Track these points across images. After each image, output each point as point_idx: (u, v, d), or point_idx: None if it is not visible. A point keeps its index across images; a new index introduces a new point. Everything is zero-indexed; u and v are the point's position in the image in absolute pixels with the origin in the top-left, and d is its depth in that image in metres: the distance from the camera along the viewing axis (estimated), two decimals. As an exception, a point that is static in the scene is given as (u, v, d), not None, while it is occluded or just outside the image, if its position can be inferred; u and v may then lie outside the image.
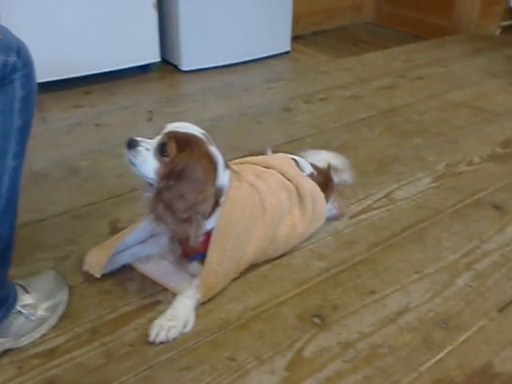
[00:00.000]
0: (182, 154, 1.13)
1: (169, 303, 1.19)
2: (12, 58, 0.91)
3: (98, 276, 1.26)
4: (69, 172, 1.76)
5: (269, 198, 1.30)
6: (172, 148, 1.13)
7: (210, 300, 1.22)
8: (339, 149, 1.94)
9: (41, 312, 1.11)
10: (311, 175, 1.47)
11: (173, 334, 1.13)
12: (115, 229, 1.46)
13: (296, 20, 3.06)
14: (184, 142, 1.15)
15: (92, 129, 2.07)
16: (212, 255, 1.20)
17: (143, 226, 1.27)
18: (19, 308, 1.07)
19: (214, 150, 1.20)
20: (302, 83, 2.64)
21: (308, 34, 3.63)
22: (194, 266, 1.26)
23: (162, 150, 1.14)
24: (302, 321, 1.18)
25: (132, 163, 1.17)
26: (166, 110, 2.28)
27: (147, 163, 1.15)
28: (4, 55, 0.90)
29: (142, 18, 2.45)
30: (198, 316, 1.18)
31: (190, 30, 2.60)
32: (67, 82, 2.35)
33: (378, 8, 4.03)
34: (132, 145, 1.15)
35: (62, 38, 2.28)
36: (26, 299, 1.10)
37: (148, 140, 1.17)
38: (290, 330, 1.16)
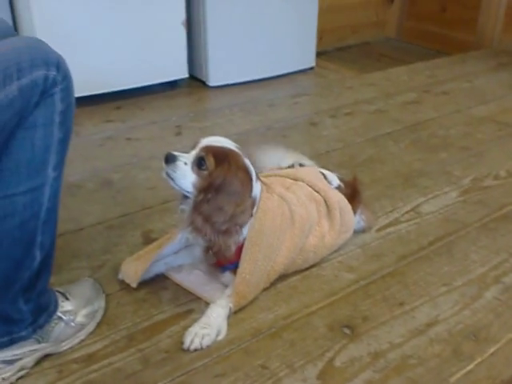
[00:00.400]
0: (220, 168, 1.17)
1: (202, 312, 1.22)
2: (52, 72, 0.94)
3: (134, 286, 1.30)
4: (102, 184, 1.81)
5: (298, 209, 1.33)
6: (210, 162, 1.17)
7: (241, 309, 1.25)
8: (365, 163, 1.97)
9: (80, 318, 1.15)
10: (338, 188, 1.50)
11: (206, 341, 1.16)
12: (148, 239, 1.50)
13: (320, 36, 3.11)
14: (221, 155, 1.19)
15: (123, 142, 2.13)
16: (244, 265, 1.23)
17: (179, 238, 1.30)
18: (60, 314, 1.12)
19: (248, 162, 1.24)
20: (328, 98, 2.67)
21: (332, 50, 3.67)
22: (227, 275, 1.29)
23: (200, 163, 1.18)
24: (333, 331, 1.21)
25: (170, 177, 1.20)
26: (193, 125, 2.33)
27: (186, 177, 1.19)
28: (44, 69, 0.94)
29: (171, 35, 2.52)
30: (230, 324, 1.21)
31: (217, 47, 2.67)
32: (99, 97, 2.42)
33: (400, 23, 4.06)
34: (170, 159, 1.19)
35: (93, 54, 2.36)
36: (66, 306, 1.14)
37: (184, 154, 1.21)
38: (320, 340, 1.18)
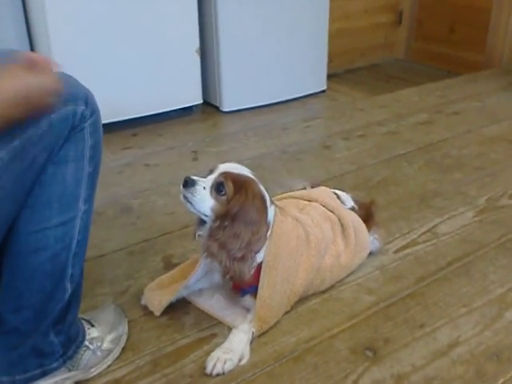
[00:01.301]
0: (237, 196, 1.19)
1: (224, 336, 1.24)
2: (81, 107, 0.97)
3: (157, 314, 1.32)
4: (122, 210, 1.85)
5: (313, 230, 1.35)
6: (229, 187, 1.20)
7: (264, 333, 1.27)
8: (380, 184, 1.99)
9: (106, 344, 1.18)
10: (352, 209, 1.52)
11: (228, 366, 1.17)
12: (169, 264, 1.53)
13: (330, 59, 3.16)
14: (239, 182, 1.21)
15: (142, 169, 2.17)
16: (263, 289, 1.25)
17: (202, 266, 1.32)
18: (87, 343, 1.14)
19: (263, 188, 1.26)
20: (340, 121, 2.71)
21: (341, 72, 3.72)
22: (247, 299, 1.31)
23: (218, 189, 1.21)
24: (355, 353, 1.22)
25: (189, 201, 1.22)
26: (209, 150, 2.37)
27: (204, 201, 1.21)
28: (73, 104, 0.96)
29: (185, 62, 2.58)
30: (252, 349, 1.23)
31: (230, 73, 2.72)
32: (115, 124, 2.47)
33: (409, 45, 4.11)
34: (190, 183, 1.21)
35: (109, 82, 2.42)
36: (92, 333, 1.17)
37: (203, 179, 1.23)
38: (343, 363, 1.19)
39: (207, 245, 1.21)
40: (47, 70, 0.88)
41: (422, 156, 2.24)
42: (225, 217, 1.19)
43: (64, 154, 0.97)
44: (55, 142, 0.95)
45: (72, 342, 1.10)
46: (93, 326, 1.19)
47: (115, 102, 2.47)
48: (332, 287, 1.43)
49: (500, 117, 2.68)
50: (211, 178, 1.23)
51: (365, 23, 3.85)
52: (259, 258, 1.25)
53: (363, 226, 1.49)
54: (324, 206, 1.46)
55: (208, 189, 1.21)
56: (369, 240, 1.51)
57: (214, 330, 1.29)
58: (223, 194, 1.21)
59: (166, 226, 1.72)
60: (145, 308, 1.35)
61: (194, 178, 1.22)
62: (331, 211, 1.45)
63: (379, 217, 1.71)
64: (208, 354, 1.21)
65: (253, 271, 1.24)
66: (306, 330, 1.29)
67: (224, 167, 1.25)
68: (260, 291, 1.25)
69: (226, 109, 2.78)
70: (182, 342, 1.26)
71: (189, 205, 1.23)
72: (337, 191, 1.57)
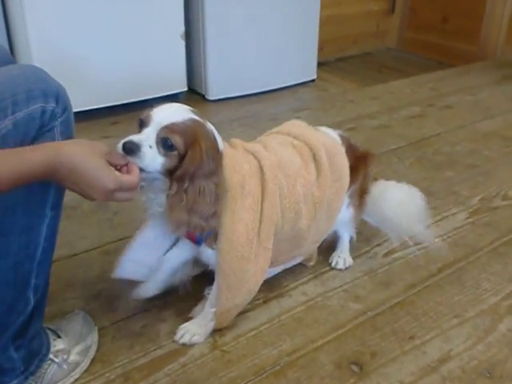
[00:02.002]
0: (190, 153, 1.03)
1: (202, 346, 1.17)
2: (51, 105, 0.89)
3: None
4: (98, 205, 1.75)
5: (264, 155, 1.19)
6: (179, 143, 1.02)
7: (243, 345, 1.19)
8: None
9: (73, 357, 1.09)
10: None
11: (196, 339, 1.20)
12: (145, 266, 1.44)
13: (320, 47, 3.06)
14: (187, 134, 1.03)
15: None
16: (225, 223, 1.12)
17: (150, 226, 1.24)
18: (52, 356, 1.05)
19: (210, 127, 1.10)
20: (330, 112, 2.62)
21: (332, 61, 3.63)
22: (204, 251, 1.20)
23: (166, 145, 1.02)
24: (340, 368, 1.14)
25: (141, 168, 1.00)
26: (193, 140, 2.26)
27: (155, 161, 1.02)
28: (42, 102, 0.88)
29: (169, 48, 2.47)
30: (231, 362, 1.15)
31: (216, 60, 2.61)
32: (95, 112, 2.36)
33: (401, 34, 4.03)
34: (134, 149, 0.99)
35: (90, 68, 2.30)
36: (58, 344, 1.08)
37: (141, 136, 1.01)
38: (327, 379, 1.12)
39: (175, 217, 1.06)
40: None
41: (414, 152, 2.16)
42: (182, 179, 1.04)
43: None
44: (20, 143, 0.86)
45: (34, 357, 1.02)
46: (59, 336, 1.10)
47: (95, 88, 2.36)
48: (318, 293, 1.35)
49: (493, 112, 2.61)
50: (151, 132, 1.02)
51: (357, 10, 3.75)
52: None
53: (340, 150, 1.32)
54: (288, 135, 1.31)
55: (154, 146, 1.01)
56: (347, 168, 1.33)
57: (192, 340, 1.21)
58: (172, 150, 1.02)
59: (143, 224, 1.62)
60: (117, 315, 1.27)
61: (134, 140, 1.01)
62: (295, 138, 1.29)
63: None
64: (184, 366, 1.14)
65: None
66: (288, 341, 1.21)
67: (161, 117, 1.03)
68: (224, 219, 1.11)
69: (211, 97, 2.68)
70: (156, 353, 1.17)
71: (142, 172, 1.03)
72: (321, 127, 1.41)
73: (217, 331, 1.23)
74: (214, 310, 1.19)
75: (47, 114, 0.88)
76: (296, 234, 1.26)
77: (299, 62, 2.94)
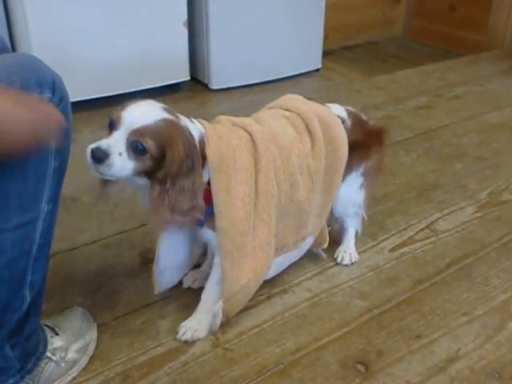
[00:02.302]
0: (168, 156, 1.00)
1: (203, 343, 1.15)
2: (46, 95, 0.85)
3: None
4: (99, 197, 1.71)
5: (255, 128, 1.15)
6: (150, 146, 0.98)
7: (246, 343, 1.16)
8: (376, 174, 1.86)
9: (71, 355, 1.06)
10: (342, 122, 1.29)
11: (198, 335, 1.18)
12: (146, 260, 1.41)
13: (325, 35, 3.00)
14: (161, 134, 0.99)
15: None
16: (222, 201, 1.08)
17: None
18: (49, 354, 1.02)
19: (181, 121, 1.05)
20: (335, 102, 2.56)
21: (337, 49, 3.57)
22: (204, 232, 1.16)
23: (137, 149, 0.98)
24: (345, 368, 1.11)
25: (107, 175, 1.01)
26: (195, 131, 2.23)
27: (125, 168, 0.99)
28: (37, 92, 0.84)
29: (172, 36, 2.42)
30: (233, 360, 1.12)
31: (219, 48, 2.56)
32: (96, 101, 2.32)
33: (408, 22, 3.95)
34: (102, 157, 0.96)
35: (91, 57, 2.26)
36: (55, 342, 1.05)
37: (110, 141, 0.98)
38: (332, 379, 1.09)
39: (158, 217, 1.04)
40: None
41: (421, 144, 2.11)
42: (163, 181, 1.01)
43: None
44: None
45: (31, 355, 0.99)
46: (57, 334, 1.07)
47: (96, 78, 2.32)
48: (322, 290, 1.32)
49: (502, 103, 2.56)
50: (120, 136, 0.97)
51: (363, -2, 3.68)
52: (205, 176, 1.08)
53: (336, 120, 1.27)
54: (280, 108, 1.26)
55: (124, 153, 0.97)
56: (345, 137, 1.26)
57: (192, 338, 1.18)
58: (144, 153, 0.98)
59: (144, 217, 1.58)
60: (116, 311, 1.24)
61: (102, 146, 0.97)
62: (287, 110, 1.25)
63: (375, 210, 1.61)
64: (185, 365, 1.11)
65: (202, 195, 1.07)
66: (292, 340, 1.18)
67: (131, 119, 0.98)
68: (216, 208, 1.08)
69: (214, 86, 2.63)
70: (156, 351, 1.15)
71: (110, 178, 1.04)
72: (329, 104, 1.35)
73: (219, 328, 1.20)
74: (210, 302, 1.17)
75: None
76: (296, 207, 1.21)
77: (304, 51, 2.89)
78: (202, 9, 2.49)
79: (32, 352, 0.99)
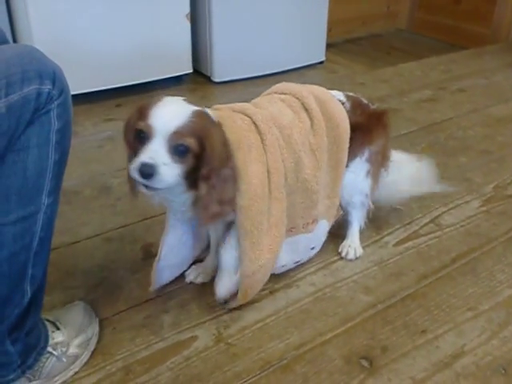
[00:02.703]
0: (210, 149, 0.99)
1: (206, 338, 1.13)
2: (47, 87, 0.84)
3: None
4: (100, 190, 1.70)
5: (254, 111, 1.15)
6: (193, 144, 0.98)
7: (249, 337, 1.15)
8: (380, 168, 1.85)
9: (72, 350, 1.05)
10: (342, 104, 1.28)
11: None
12: (149, 254, 1.40)
13: (329, 28, 2.98)
14: (197, 130, 0.98)
15: (124, 143, 2.01)
16: (243, 179, 1.07)
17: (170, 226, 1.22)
18: (50, 349, 1.01)
19: (207, 111, 1.06)
20: (338, 95, 2.54)
21: (341, 42, 3.54)
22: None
23: (179, 152, 0.97)
24: (349, 363, 1.10)
25: (158, 188, 0.99)
26: (198, 124, 2.21)
27: (174, 176, 0.98)
28: (38, 83, 0.82)
29: (174, 29, 2.40)
30: (236, 355, 1.11)
31: (222, 41, 2.54)
32: (98, 94, 2.31)
33: (412, 15, 3.92)
34: (152, 173, 0.95)
35: (93, 49, 2.24)
36: (56, 336, 1.04)
37: (152, 154, 0.95)
38: (336, 374, 1.07)
39: (207, 213, 1.04)
40: None
41: (426, 137, 2.09)
42: (208, 176, 1.01)
43: (25, 139, 0.84)
44: (15, 127, 0.81)
45: (32, 350, 0.98)
46: (58, 328, 1.06)
47: (98, 70, 2.30)
48: (326, 284, 1.31)
49: (507, 96, 2.53)
50: (159, 145, 0.96)
51: (367, -10, 3.65)
52: None
53: (331, 96, 1.26)
54: (274, 93, 1.27)
55: (169, 160, 0.97)
56: (344, 113, 1.25)
57: (195, 332, 1.17)
58: (188, 153, 0.98)
59: (147, 211, 1.57)
60: (118, 305, 1.23)
61: (149, 161, 0.95)
62: (282, 93, 1.25)
63: (379, 204, 1.59)
64: (187, 359, 1.10)
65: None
66: (295, 335, 1.17)
67: (164, 124, 0.96)
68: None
69: (217, 79, 2.61)
70: (159, 346, 1.13)
71: (156, 190, 1.00)
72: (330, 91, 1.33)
73: (221, 323, 1.19)
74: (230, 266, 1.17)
75: (43, 96, 0.83)
76: (303, 186, 1.20)
77: (307, 44, 2.86)
78: (205, 1, 2.46)
79: (33, 347, 0.98)
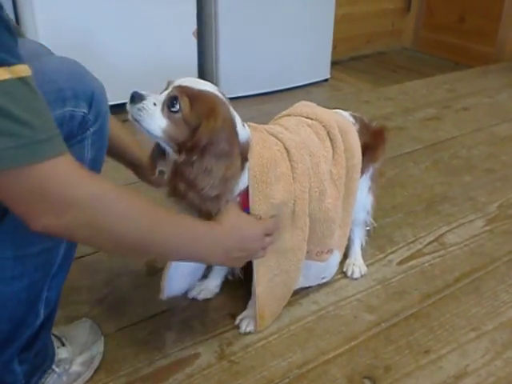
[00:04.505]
0: (205, 123, 0.97)
1: (209, 355, 1.13)
2: (82, 110, 0.77)
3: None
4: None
5: (287, 136, 1.15)
6: (185, 103, 0.97)
7: (251, 356, 1.15)
8: (385, 186, 1.85)
9: (75, 367, 1.05)
10: None
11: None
12: (153, 269, 1.40)
13: (334, 45, 3.01)
14: (202, 101, 0.99)
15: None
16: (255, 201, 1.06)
17: None
18: (53, 366, 1.01)
19: (231, 109, 1.05)
20: (343, 113, 2.56)
21: (346, 60, 3.57)
22: None
23: (171, 104, 0.97)
24: (352, 382, 1.10)
25: (136, 120, 0.98)
26: (203, 140, 2.22)
27: (153, 118, 0.97)
28: (72, 105, 0.75)
29: (181, 46, 2.43)
30: (239, 373, 1.11)
31: (228, 58, 2.57)
32: (105, 109, 2.33)
33: (417, 33, 3.95)
34: (136, 99, 0.97)
35: (99, 64, 2.25)
36: (61, 353, 1.04)
37: (155, 94, 1.00)
38: (339, 394, 1.07)
39: (173, 184, 1.01)
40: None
41: (430, 155, 2.10)
42: (192, 150, 0.98)
43: None
44: None
45: (37, 370, 0.98)
46: (63, 344, 1.06)
47: (105, 85, 2.31)
48: (329, 302, 1.31)
49: (511, 115, 2.54)
50: (164, 93, 1.00)
51: (372, 8, 3.68)
52: (243, 184, 1.07)
53: (352, 128, 1.27)
54: (299, 116, 1.26)
55: (159, 105, 0.98)
56: (359, 146, 1.27)
57: (198, 349, 1.17)
58: (177, 111, 0.97)
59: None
60: (122, 321, 1.23)
61: (143, 92, 0.99)
62: (308, 118, 1.24)
63: (383, 222, 1.60)
64: (190, 377, 1.10)
65: (239, 199, 1.08)
66: (298, 353, 1.17)
67: (182, 81, 1.01)
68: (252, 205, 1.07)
69: (223, 96, 2.63)
70: (162, 363, 1.13)
71: (136, 124, 0.99)
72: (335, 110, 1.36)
73: (224, 340, 1.19)
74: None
75: (76, 119, 0.77)
76: (325, 216, 1.20)
77: (313, 61, 2.89)
78: (212, 18, 2.49)
79: (39, 367, 0.98)
